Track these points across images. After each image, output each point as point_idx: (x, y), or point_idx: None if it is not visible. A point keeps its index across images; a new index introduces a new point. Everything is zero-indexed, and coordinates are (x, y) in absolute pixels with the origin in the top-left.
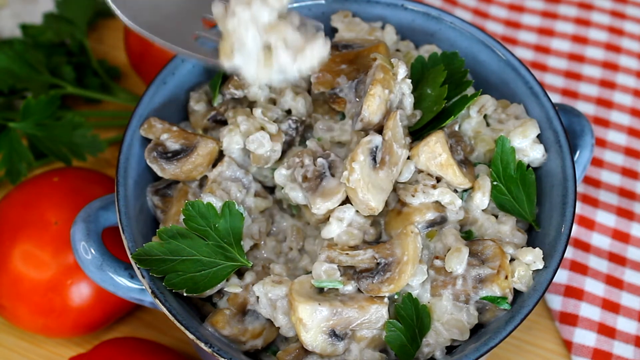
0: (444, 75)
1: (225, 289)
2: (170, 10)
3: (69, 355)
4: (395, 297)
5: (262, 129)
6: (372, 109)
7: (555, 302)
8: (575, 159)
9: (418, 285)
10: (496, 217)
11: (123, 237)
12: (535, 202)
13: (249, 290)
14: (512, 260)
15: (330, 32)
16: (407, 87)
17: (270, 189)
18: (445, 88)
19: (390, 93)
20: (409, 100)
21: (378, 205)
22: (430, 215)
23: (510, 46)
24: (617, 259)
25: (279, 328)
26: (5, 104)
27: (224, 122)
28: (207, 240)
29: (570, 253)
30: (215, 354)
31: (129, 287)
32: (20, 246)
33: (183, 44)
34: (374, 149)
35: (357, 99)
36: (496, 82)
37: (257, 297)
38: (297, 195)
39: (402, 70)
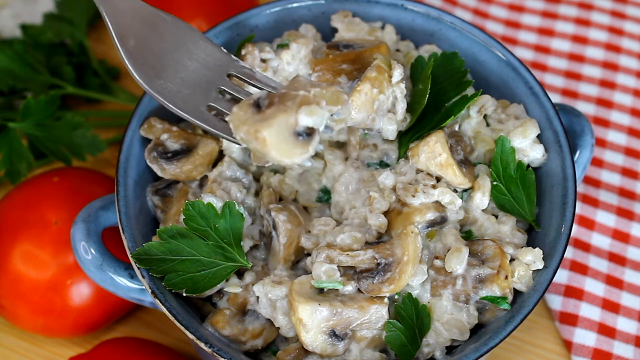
0: (431, 66)
1: (225, 289)
2: (187, 78)
3: (69, 355)
4: (395, 297)
5: None
6: (355, 104)
7: (555, 302)
8: (575, 159)
9: (418, 285)
10: (496, 217)
11: (123, 237)
12: (535, 202)
13: (249, 291)
14: (512, 260)
15: (330, 32)
16: (399, 91)
17: None
18: (428, 80)
19: (379, 93)
20: (401, 105)
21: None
22: (431, 215)
23: (510, 46)
24: (617, 259)
25: (279, 328)
26: (5, 104)
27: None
28: (207, 241)
29: (570, 253)
30: (215, 354)
31: (129, 287)
32: (20, 246)
33: (197, 114)
34: None
35: None
36: (496, 82)
37: (257, 297)
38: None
39: (396, 74)
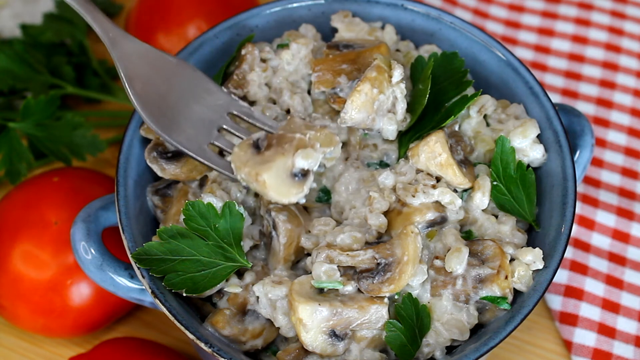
0: (431, 66)
1: (225, 289)
2: (191, 117)
3: (69, 355)
4: (395, 297)
5: None
6: (356, 104)
7: (555, 302)
8: (575, 159)
9: (418, 285)
10: (496, 217)
11: (123, 237)
12: (535, 202)
13: (249, 291)
14: (512, 260)
15: (330, 32)
16: (399, 91)
17: None
18: (428, 80)
19: (379, 93)
20: (401, 105)
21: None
22: (431, 215)
23: (510, 46)
24: (617, 259)
25: (279, 328)
26: (5, 104)
27: None
28: (207, 241)
29: (570, 253)
30: (215, 354)
31: (129, 287)
32: (20, 246)
33: (201, 152)
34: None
35: None
36: (496, 82)
37: (257, 297)
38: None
39: (397, 74)
